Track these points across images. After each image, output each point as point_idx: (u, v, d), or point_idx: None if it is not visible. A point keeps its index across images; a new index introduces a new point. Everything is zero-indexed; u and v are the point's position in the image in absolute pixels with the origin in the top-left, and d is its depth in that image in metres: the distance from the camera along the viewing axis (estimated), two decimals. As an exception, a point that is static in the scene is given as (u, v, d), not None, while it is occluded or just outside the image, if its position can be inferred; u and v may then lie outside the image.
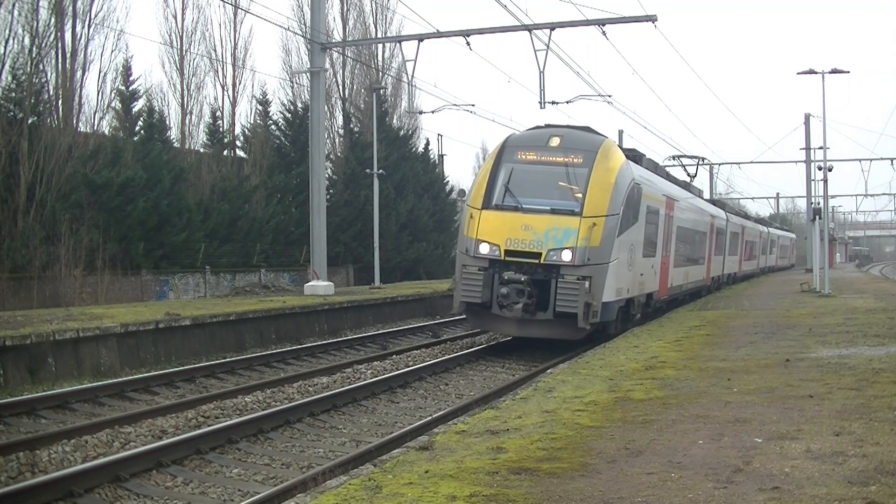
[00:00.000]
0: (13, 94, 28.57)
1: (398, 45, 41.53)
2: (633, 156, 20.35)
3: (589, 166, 16.83)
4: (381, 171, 36.62)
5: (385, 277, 37.64)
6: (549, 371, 12.17)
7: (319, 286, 26.44)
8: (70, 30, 31.47)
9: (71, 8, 31.32)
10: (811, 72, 35.13)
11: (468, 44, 24.80)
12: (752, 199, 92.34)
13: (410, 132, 49.42)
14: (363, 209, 40.91)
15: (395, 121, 48.47)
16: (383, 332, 22.04)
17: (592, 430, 7.98)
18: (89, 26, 31.95)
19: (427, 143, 51.84)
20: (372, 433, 11.26)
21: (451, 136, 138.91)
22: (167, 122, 36.99)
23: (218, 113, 40.13)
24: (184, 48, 38.52)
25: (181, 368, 15.54)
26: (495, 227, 16.61)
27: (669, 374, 11.35)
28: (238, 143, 41.93)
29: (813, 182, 50.68)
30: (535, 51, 24.27)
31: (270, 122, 42.06)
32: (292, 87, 44.93)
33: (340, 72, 45.95)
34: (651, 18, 23.17)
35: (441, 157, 53.35)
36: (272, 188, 38.80)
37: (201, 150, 38.95)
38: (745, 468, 6.54)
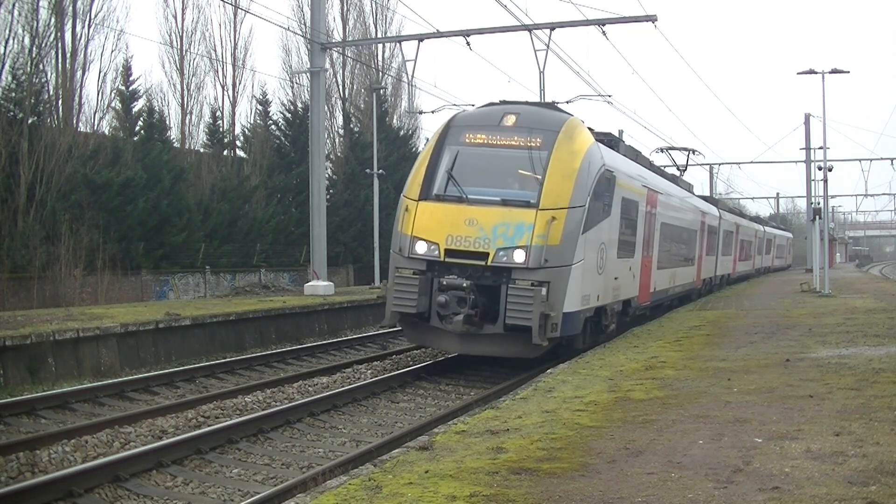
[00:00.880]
0: (13, 94, 28.58)
1: (398, 45, 41.55)
2: (609, 140, 17.80)
3: (549, 149, 14.21)
4: (381, 171, 36.62)
5: (385, 277, 37.58)
6: (549, 371, 12.17)
7: (319, 286, 26.44)
8: (70, 30, 31.51)
9: (71, 8, 31.33)
10: (811, 72, 35.14)
11: (468, 44, 24.81)
12: (752, 199, 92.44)
13: (410, 132, 49.44)
14: (363, 209, 40.92)
15: (395, 121, 48.48)
16: (383, 332, 22.05)
17: (592, 430, 7.98)
18: (89, 26, 31.99)
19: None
20: (372, 433, 11.26)
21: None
22: (167, 122, 37.06)
23: (218, 113, 40.21)
24: (184, 48, 38.61)
25: (181, 368, 15.54)
26: (435, 222, 13.99)
27: (669, 374, 11.35)
28: (238, 143, 41.97)
29: (813, 182, 50.73)
30: (535, 51, 24.29)
31: (270, 122, 42.10)
32: (292, 87, 44.98)
33: (340, 72, 45.98)
34: (651, 18, 23.17)
35: (441, 157, 53.27)
36: (272, 188, 38.83)
37: (201, 150, 38.98)
38: (745, 468, 6.54)
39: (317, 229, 27.13)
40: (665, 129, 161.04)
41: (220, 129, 40.10)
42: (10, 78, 28.65)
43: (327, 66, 33.30)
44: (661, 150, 30.65)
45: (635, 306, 18.95)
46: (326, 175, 39.72)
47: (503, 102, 15.79)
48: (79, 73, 31.90)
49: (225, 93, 41.39)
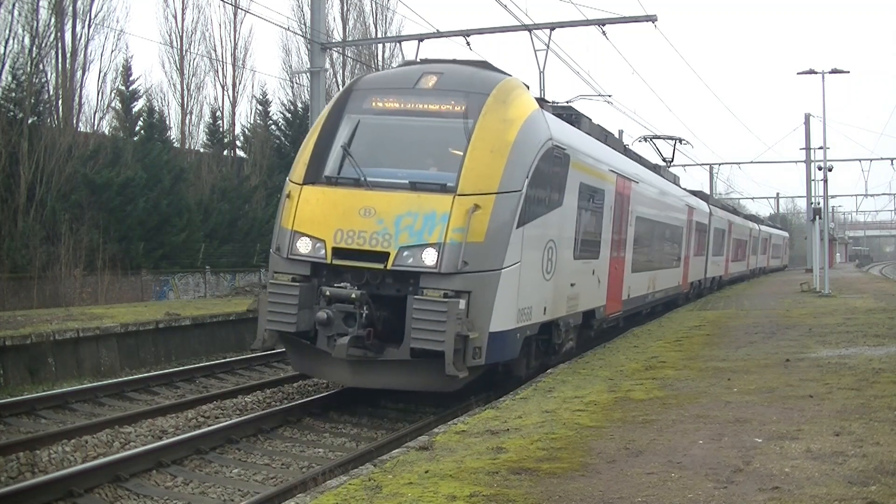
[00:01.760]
0: (13, 94, 28.57)
1: (398, 45, 41.56)
2: (569, 115, 14.64)
3: (476, 116, 11.12)
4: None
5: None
6: (549, 371, 12.17)
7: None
8: (70, 30, 31.49)
9: (71, 8, 31.32)
10: (811, 72, 35.18)
11: (468, 44, 24.76)
12: (752, 199, 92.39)
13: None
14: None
15: (395, 121, 48.39)
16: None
17: (592, 430, 7.98)
18: (89, 26, 31.99)
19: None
20: (372, 433, 11.26)
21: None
22: (167, 122, 37.07)
23: (218, 113, 40.20)
24: (184, 48, 38.60)
25: (181, 368, 15.53)
26: (322, 213, 10.92)
27: (669, 374, 11.35)
28: (238, 143, 41.97)
29: (813, 182, 50.73)
30: (535, 51, 24.24)
31: (270, 122, 42.09)
32: (292, 87, 44.97)
33: (340, 72, 45.95)
34: (651, 18, 23.15)
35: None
36: (272, 188, 38.78)
37: (201, 150, 38.98)
38: (745, 468, 6.54)
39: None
40: (665, 129, 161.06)
41: (220, 129, 40.11)
42: (10, 78, 28.66)
43: (327, 66, 33.27)
44: (645, 140, 27.69)
45: (602, 318, 15.63)
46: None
47: (423, 61, 13.07)
48: (79, 73, 31.92)
49: (225, 93, 41.42)
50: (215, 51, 40.57)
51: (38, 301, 24.15)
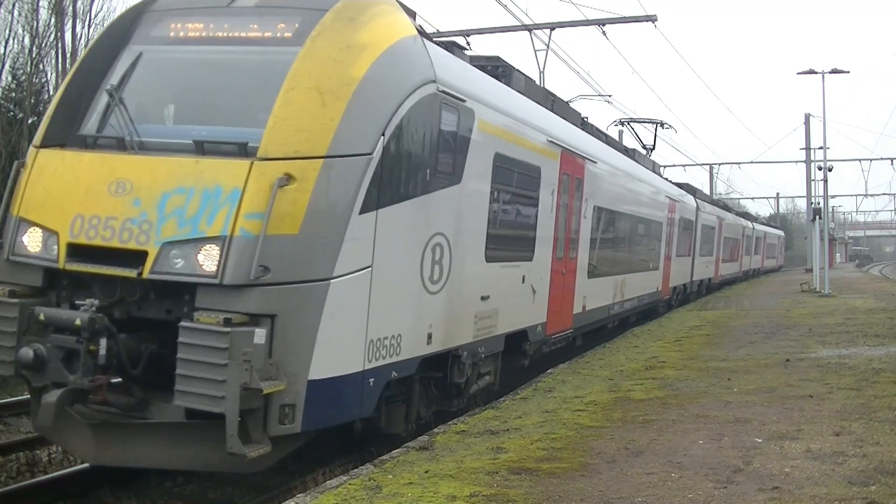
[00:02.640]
0: (13, 94, 28.59)
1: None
2: (493, 69, 10.98)
3: (301, 43, 7.37)
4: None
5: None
6: (549, 371, 12.16)
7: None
8: (70, 30, 31.49)
9: (71, 8, 31.33)
10: (811, 72, 35.22)
11: (468, 43, 24.71)
12: (753, 199, 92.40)
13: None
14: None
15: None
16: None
17: (592, 430, 7.98)
18: (89, 26, 31.94)
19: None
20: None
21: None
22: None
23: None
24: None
25: None
26: (62, 190, 7.27)
27: (669, 374, 11.35)
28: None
29: (813, 182, 50.72)
30: (535, 51, 24.26)
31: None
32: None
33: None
34: (651, 18, 23.17)
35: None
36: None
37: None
38: (745, 468, 6.53)
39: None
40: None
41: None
42: (10, 78, 28.70)
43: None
44: (622, 124, 24.92)
45: (540, 339, 11.84)
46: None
47: None
48: (79, 74, 31.92)
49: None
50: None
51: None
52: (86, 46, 20.89)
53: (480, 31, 25.27)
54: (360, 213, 7.09)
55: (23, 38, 28.93)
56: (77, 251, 6.99)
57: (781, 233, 72.40)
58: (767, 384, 10.29)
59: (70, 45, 31.36)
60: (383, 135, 7.34)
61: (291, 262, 6.71)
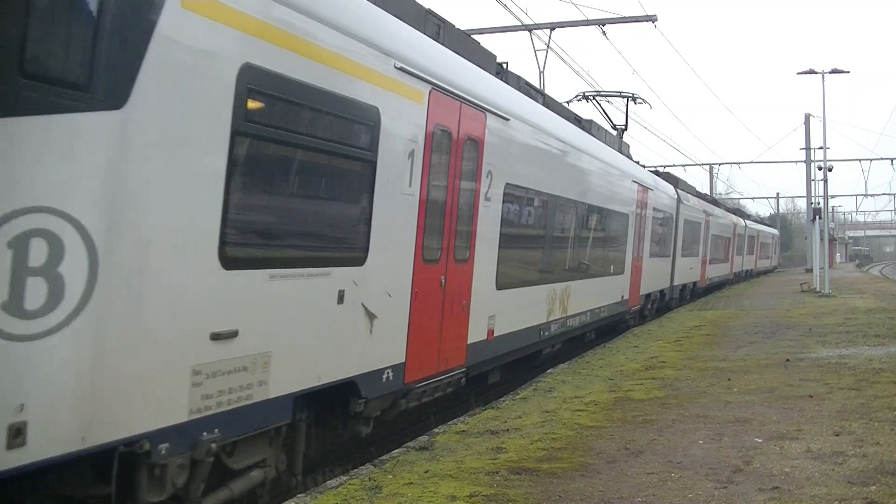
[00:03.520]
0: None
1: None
2: None
3: None
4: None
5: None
6: (549, 371, 12.16)
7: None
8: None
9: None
10: (811, 72, 35.25)
11: (468, 44, 24.79)
12: (753, 199, 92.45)
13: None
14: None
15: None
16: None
17: (592, 430, 7.98)
18: (89, 26, 32.00)
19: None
20: (372, 432, 11.24)
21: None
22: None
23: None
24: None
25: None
26: None
27: (669, 374, 11.35)
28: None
29: (813, 182, 50.75)
30: (535, 51, 24.26)
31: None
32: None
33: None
34: (651, 18, 23.18)
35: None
36: None
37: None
38: (745, 468, 6.53)
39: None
40: (665, 129, 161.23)
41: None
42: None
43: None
44: (585, 97, 20.99)
45: (394, 390, 7.65)
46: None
47: None
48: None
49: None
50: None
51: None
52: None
53: (481, 31, 25.27)
54: None
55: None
56: None
57: (776, 231, 70.24)
58: (767, 384, 10.29)
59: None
60: None
61: None
